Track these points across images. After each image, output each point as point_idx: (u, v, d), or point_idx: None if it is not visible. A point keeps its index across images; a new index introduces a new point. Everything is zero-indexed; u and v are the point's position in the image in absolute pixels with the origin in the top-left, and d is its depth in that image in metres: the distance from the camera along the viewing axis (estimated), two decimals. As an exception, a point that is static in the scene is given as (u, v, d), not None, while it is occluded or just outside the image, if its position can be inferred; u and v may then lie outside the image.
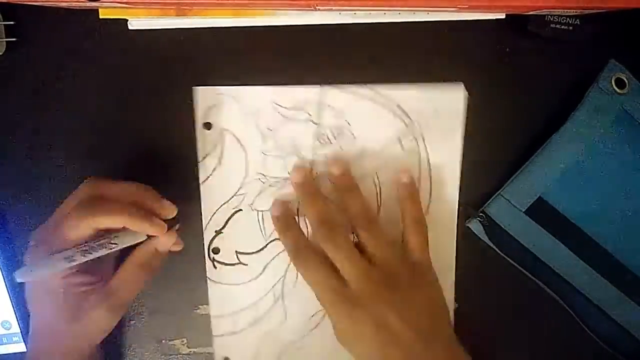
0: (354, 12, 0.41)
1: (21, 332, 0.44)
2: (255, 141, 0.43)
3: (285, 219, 0.42)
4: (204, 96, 0.42)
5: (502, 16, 0.41)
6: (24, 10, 0.41)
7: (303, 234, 0.41)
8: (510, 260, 0.43)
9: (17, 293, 0.44)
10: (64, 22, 0.42)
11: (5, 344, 0.44)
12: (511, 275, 0.43)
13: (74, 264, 0.35)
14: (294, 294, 0.44)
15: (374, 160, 0.43)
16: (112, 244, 0.35)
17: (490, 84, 0.43)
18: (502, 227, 0.42)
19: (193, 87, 0.42)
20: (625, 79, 0.42)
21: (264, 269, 0.44)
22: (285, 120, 0.42)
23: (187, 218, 0.43)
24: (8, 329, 0.44)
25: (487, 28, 0.42)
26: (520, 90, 0.43)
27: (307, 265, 0.39)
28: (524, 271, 0.43)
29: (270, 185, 0.43)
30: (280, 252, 0.44)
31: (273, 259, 0.44)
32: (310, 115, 0.42)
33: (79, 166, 0.43)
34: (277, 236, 0.43)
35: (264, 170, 0.43)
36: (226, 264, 0.44)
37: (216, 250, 0.44)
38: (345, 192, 0.41)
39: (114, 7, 0.40)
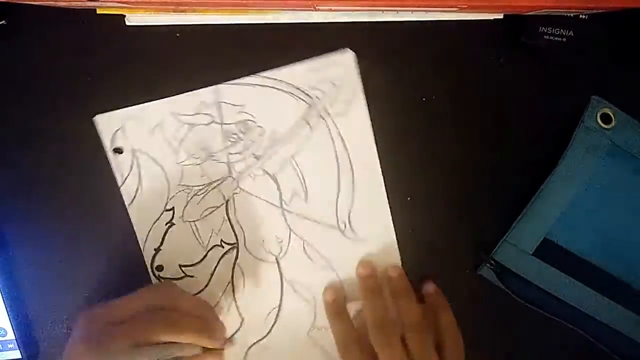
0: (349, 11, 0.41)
1: (16, 339, 0.43)
2: (167, 155, 0.42)
3: (337, 308, 0.42)
4: (106, 123, 0.42)
5: (500, 16, 0.42)
6: (21, 6, 0.40)
7: (353, 326, 0.42)
8: (527, 304, 0.42)
9: (13, 301, 0.43)
10: (62, 18, 0.41)
11: (1, 351, 0.43)
12: (530, 315, 0.43)
13: None
14: (245, 295, 0.44)
15: (287, 146, 0.43)
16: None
17: (482, 97, 0.43)
18: (514, 271, 0.42)
19: (94, 117, 0.41)
20: (610, 113, 0.42)
21: (211, 276, 0.44)
22: (190, 128, 0.42)
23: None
24: (3, 336, 0.43)
25: (483, 33, 0.42)
26: (513, 101, 0.43)
27: None
28: (543, 312, 0.42)
29: (195, 195, 0.43)
30: (222, 257, 0.43)
31: (217, 265, 0.43)
32: (212, 116, 0.42)
33: (78, 170, 0.42)
34: (216, 243, 0.43)
35: (185, 181, 0.43)
36: (173, 279, 0.44)
37: (160, 268, 0.43)
38: (401, 297, 0.41)
39: (113, 7, 0.39)
